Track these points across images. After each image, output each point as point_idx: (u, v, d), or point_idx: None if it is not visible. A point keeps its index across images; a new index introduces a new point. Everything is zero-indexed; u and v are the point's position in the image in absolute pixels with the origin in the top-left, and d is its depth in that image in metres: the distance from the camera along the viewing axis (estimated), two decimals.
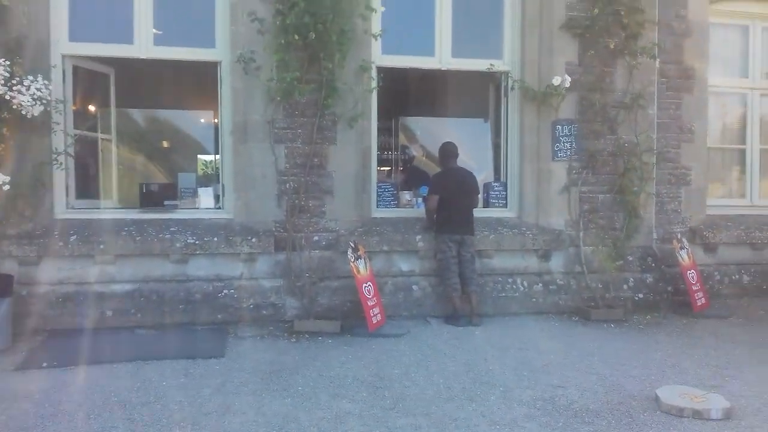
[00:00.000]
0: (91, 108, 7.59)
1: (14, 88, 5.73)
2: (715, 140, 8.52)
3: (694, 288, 7.15)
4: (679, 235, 7.61)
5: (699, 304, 7.13)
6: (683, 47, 7.83)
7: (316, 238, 6.64)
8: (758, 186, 8.57)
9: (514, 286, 7.08)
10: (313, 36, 6.23)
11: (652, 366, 5.30)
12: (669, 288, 7.42)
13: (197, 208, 6.98)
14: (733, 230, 7.98)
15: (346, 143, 6.72)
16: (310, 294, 6.44)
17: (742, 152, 8.61)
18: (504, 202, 7.60)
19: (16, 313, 5.72)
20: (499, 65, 7.45)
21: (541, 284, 7.14)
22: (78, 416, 4.05)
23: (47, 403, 4.26)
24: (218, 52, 6.72)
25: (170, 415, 4.08)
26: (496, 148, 7.97)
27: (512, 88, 7.45)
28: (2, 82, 5.68)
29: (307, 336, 6.03)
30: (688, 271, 7.20)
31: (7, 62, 5.73)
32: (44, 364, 5.05)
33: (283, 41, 6.32)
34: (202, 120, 10.99)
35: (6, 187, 5.75)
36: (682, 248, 7.33)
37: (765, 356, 5.63)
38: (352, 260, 6.21)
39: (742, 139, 8.60)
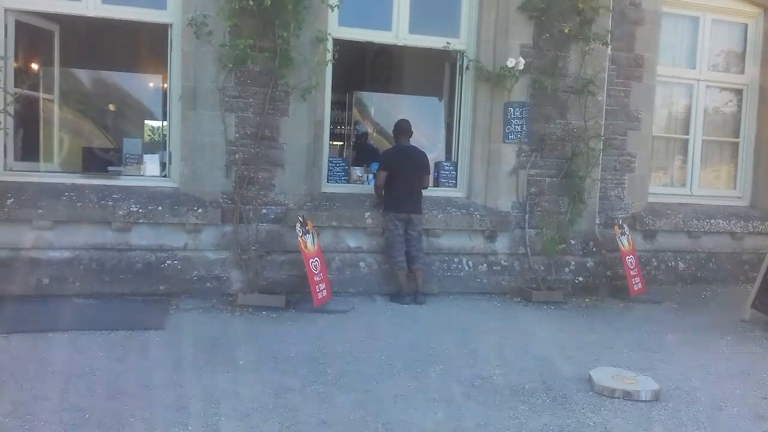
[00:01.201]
0: (34, 66, 7.28)
1: None
2: (660, 129, 8.74)
3: (632, 273, 7.38)
4: (620, 221, 7.82)
5: (636, 288, 7.36)
6: (635, 35, 7.97)
7: (264, 211, 6.57)
8: (698, 176, 8.86)
9: (460, 266, 7.17)
10: (269, 2, 6.08)
11: (587, 348, 5.47)
12: (608, 272, 7.64)
13: (142, 176, 6.81)
14: (672, 218, 8.25)
15: (299, 115, 6.64)
16: (255, 268, 6.39)
17: (685, 142, 8.86)
18: (454, 182, 7.65)
19: None
20: (455, 44, 7.44)
21: (485, 265, 7.25)
22: (9, 386, 3.94)
23: None
24: (169, 14, 6.52)
25: (106, 386, 4.02)
26: (449, 127, 8.01)
27: (467, 68, 7.46)
28: None
29: (251, 310, 5.99)
30: (627, 257, 7.42)
31: None
32: None
33: (237, 6, 6.15)
34: (151, 84, 10.63)
35: None
36: (622, 234, 7.54)
37: (695, 341, 5.87)
38: (300, 235, 6.17)
39: (686, 130, 8.85)
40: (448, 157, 7.88)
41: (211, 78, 6.37)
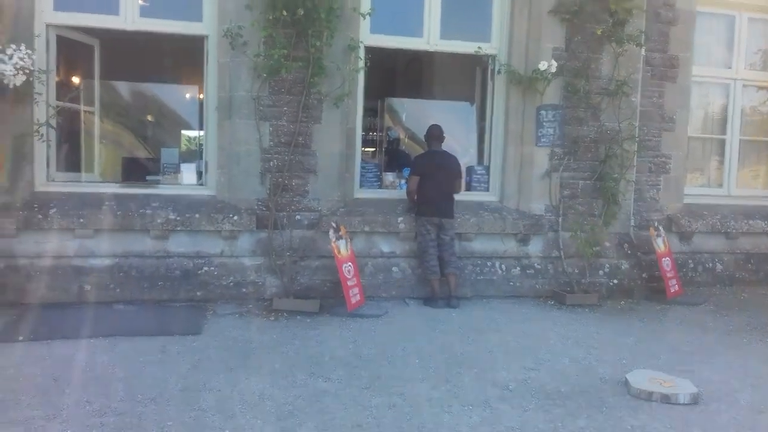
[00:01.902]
0: (75, 79, 7.50)
1: None
2: (696, 130, 8.59)
3: (669, 275, 7.26)
4: (656, 223, 7.71)
5: (672, 291, 7.25)
6: (669, 35, 7.86)
7: (298, 217, 6.66)
8: (736, 176, 8.68)
9: (493, 270, 7.15)
10: (302, 12, 6.19)
11: (623, 351, 5.41)
12: (644, 275, 7.54)
13: (179, 184, 6.95)
14: (708, 219, 8.10)
15: (331, 123, 6.71)
16: (290, 273, 6.47)
17: (722, 142, 8.69)
18: (486, 185, 7.64)
19: None
20: (486, 48, 7.44)
21: (519, 268, 7.22)
22: (53, 391, 4.07)
23: (21, 377, 4.28)
24: (205, 26, 6.66)
25: (145, 391, 4.12)
26: (481, 131, 8.00)
27: (499, 72, 7.46)
28: None
29: (285, 314, 6.07)
30: (663, 259, 7.31)
31: None
32: (20, 338, 5.05)
33: (271, 17, 6.28)
34: (187, 95, 10.89)
35: None
36: (658, 236, 7.43)
37: (733, 343, 5.76)
38: (333, 240, 6.24)
39: (723, 130, 8.68)
40: (480, 161, 7.87)
41: (246, 88, 6.49)
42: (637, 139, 7.52)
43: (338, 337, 5.51)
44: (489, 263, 7.17)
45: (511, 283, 7.15)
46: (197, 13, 6.66)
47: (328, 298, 6.44)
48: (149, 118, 11.20)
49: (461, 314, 6.41)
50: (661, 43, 7.84)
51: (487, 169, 7.67)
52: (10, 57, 5.69)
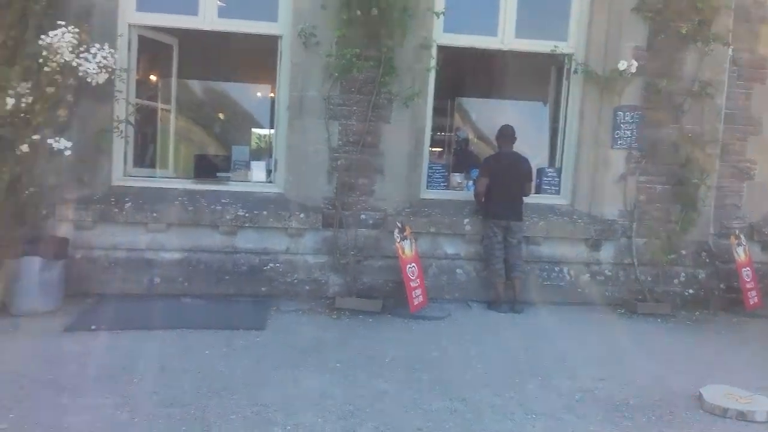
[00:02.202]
0: (153, 78, 7.75)
1: (81, 55, 5.82)
2: None
3: (748, 286, 6.87)
4: (737, 231, 7.29)
5: (752, 302, 6.85)
6: (759, 34, 7.42)
7: (363, 216, 6.65)
8: None
9: (561, 275, 6.94)
10: (376, 12, 6.19)
11: (697, 363, 5.14)
12: (721, 285, 7.14)
13: (249, 181, 7.06)
14: None
15: (400, 122, 6.68)
16: (353, 272, 6.47)
17: None
18: (557, 188, 7.43)
19: (70, 275, 5.91)
20: (563, 47, 7.22)
21: (588, 274, 6.98)
22: (121, 379, 4.19)
23: (93, 365, 4.42)
24: (280, 26, 6.73)
25: (210, 383, 4.18)
26: (553, 132, 7.78)
27: (575, 72, 7.22)
28: (70, 49, 5.79)
29: (348, 313, 6.06)
30: (744, 269, 6.91)
31: (76, 30, 5.83)
32: (93, 327, 5.23)
33: (345, 17, 6.30)
34: (259, 94, 11.09)
35: (68, 153, 5.90)
36: (739, 245, 7.03)
37: None
38: (398, 240, 6.20)
39: None
40: (551, 163, 7.66)
41: (317, 87, 6.53)
42: (720, 142, 7.14)
43: (400, 338, 5.46)
44: (557, 268, 6.97)
45: (580, 290, 6.92)
46: (273, 14, 6.74)
47: (391, 299, 6.40)
48: (221, 116, 11.47)
49: (526, 319, 6.24)
50: (749, 42, 7.40)
51: (559, 171, 7.45)
52: (94, 56, 5.89)
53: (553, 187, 7.44)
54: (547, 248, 6.98)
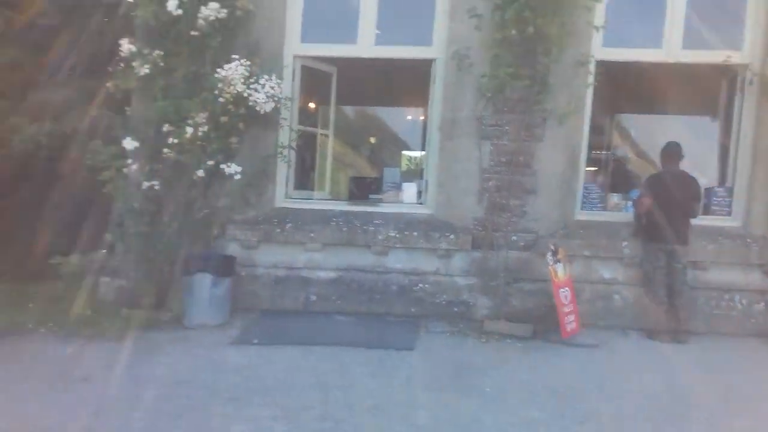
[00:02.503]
0: (314, 105, 8.17)
1: (251, 86, 6.33)
2: None
3: None
4: None
5: None
6: None
7: (514, 237, 6.52)
8: None
9: (731, 304, 6.34)
10: (532, 30, 6.13)
11: None
12: None
13: (400, 203, 7.19)
14: None
15: (554, 141, 6.49)
16: (503, 294, 6.35)
17: None
18: (728, 209, 6.80)
19: (236, 292, 6.37)
20: (736, 57, 6.66)
21: (763, 303, 6.31)
22: (280, 392, 4.40)
23: (254, 377, 4.70)
24: (434, 50, 6.84)
25: (362, 401, 4.28)
26: (723, 149, 7.16)
27: (750, 83, 6.63)
28: (242, 81, 6.29)
29: (496, 337, 5.95)
30: None
31: (248, 63, 6.34)
32: (255, 341, 5.56)
33: (499, 36, 6.30)
34: (409, 117, 11.32)
35: (237, 177, 6.40)
36: None
37: None
38: (551, 263, 5.99)
39: None
40: (721, 182, 7.04)
41: (470, 108, 6.55)
42: None
43: (551, 365, 5.26)
44: (727, 296, 6.37)
45: (753, 320, 6.27)
46: (427, 38, 6.87)
47: (542, 324, 6.18)
48: (373, 139, 11.83)
49: (691, 351, 5.76)
50: None
51: (730, 190, 6.83)
52: (263, 86, 6.35)
53: (723, 208, 6.82)
54: (715, 274, 6.40)
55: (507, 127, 6.51)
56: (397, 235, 6.56)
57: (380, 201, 7.32)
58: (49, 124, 7.21)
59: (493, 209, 6.50)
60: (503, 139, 6.53)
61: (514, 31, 6.19)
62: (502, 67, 6.26)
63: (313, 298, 6.58)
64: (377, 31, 6.94)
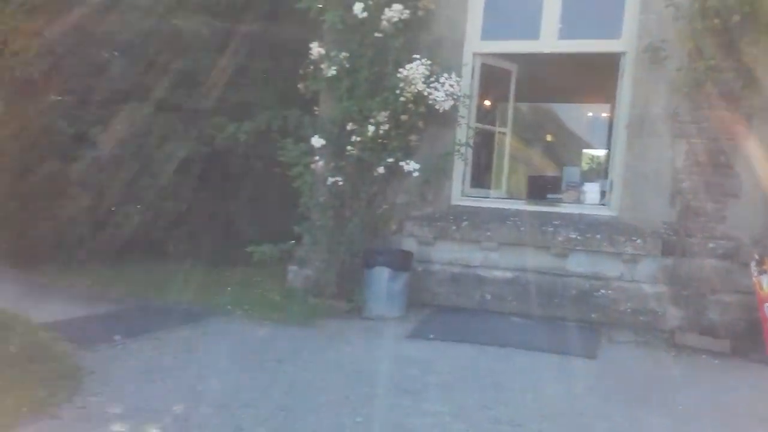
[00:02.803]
0: (492, 103, 8.10)
1: (431, 85, 6.40)
2: None
3: None
4: None
5: None
6: None
7: (711, 245, 5.98)
8: None
9: None
10: (737, 19, 5.61)
11: None
12: None
13: (581, 203, 6.91)
14: None
15: (762, 140, 5.87)
16: (696, 306, 5.85)
17: None
18: None
19: (412, 287, 6.48)
20: None
21: None
22: (457, 390, 4.40)
23: (431, 371, 4.73)
24: (623, 43, 6.46)
25: (542, 407, 4.15)
26: None
27: None
28: (422, 80, 6.39)
29: (688, 351, 5.50)
30: None
31: (428, 62, 6.42)
32: (431, 336, 5.62)
33: (699, 26, 5.82)
34: (590, 113, 10.83)
35: (416, 174, 6.52)
36: None
37: None
38: (755, 274, 5.44)
39: None
40: None
41: (662, 104, 6.12)
42: None
43: (754, 386, 4.78)
44: None
45: None
46: (615, 31, 6.50)
47: (742, 340, 5.62)
48: (549, 137, 11.47)
49: None
50: None
51: None
52: (443, 85, 6.41)
53: None
54: None
55: (705, 125, 5.99)
56: (578, 237, 6.29)
57: (560, 201, 7.10)
58: (247, 122, 7.80)
59: (687, 213, 6.01)
60: (701, 138, 6.02)
61: (716, 21, 5.68)
62: (702, 59, 5.77)
63: (488, 297, 6.52)
64: (560, 25, 6.70)
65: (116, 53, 8.39)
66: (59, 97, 8.28)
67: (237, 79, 8.38)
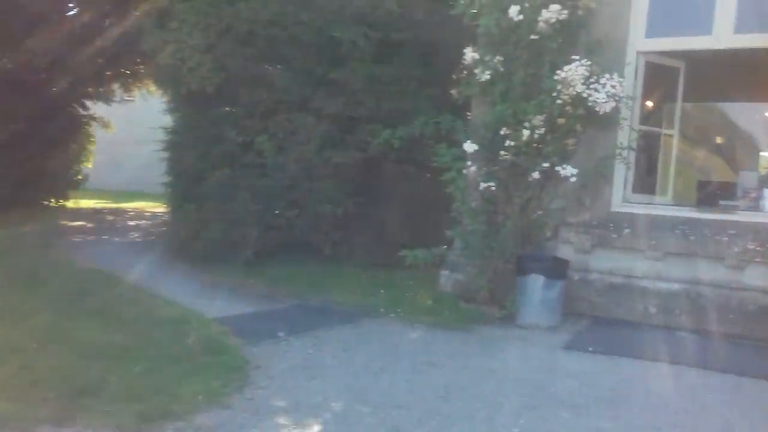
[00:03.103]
0: (656, 103, 7.62)
1: (591, 86, 6.13)
2: None
3: None
4: None
5: None
6: None
7: None
8: None
9: None
10: None
11: None
12: None
13: (760, 211, 6.30)
14: None
15: None
16: None
17: None
18: None
19: (567, 296, 6.24)
20: None
21: None
22: (621, 406, 4.16)
23: (591, 385, 4.52)
24: None
25: (714, 430, 3.82)
26: None
27: None
28: (582, 81, 6.14)
29: None
30: None
31: (588, 63, 6.16)
32: (590, 348, 5.36)
33: None
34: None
35: (573, 179, 6.28)
36: None
37: None
38: None
39: None
40: None
41: None
42: None
43: None
44: None
45: None
46: None
47: None
48: (724, 139, 10.58)
49: None
50: None
51: None
52: (603, 86, 6.13)
53: None
54: None
55: None
56: (757, 248, 5.75)
57: (735, 208, 6.51)
58: (401, 128, 7.94)
59: None
60: None
61: None
62: None
63: (653, 310, 6.12)
64: (736, 19, 6.16)
65: (279, 66, 8.87)
66: (228, 109, 8.89)
67: (391, 87, 8.56)
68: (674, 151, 7.43)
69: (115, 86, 14.81)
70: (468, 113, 7.32)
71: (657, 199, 7.16)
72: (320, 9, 8.24)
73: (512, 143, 6.41)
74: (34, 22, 11.91)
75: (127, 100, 15.20)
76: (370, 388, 4.35)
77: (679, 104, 7.37)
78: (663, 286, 6.14)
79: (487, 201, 6.69)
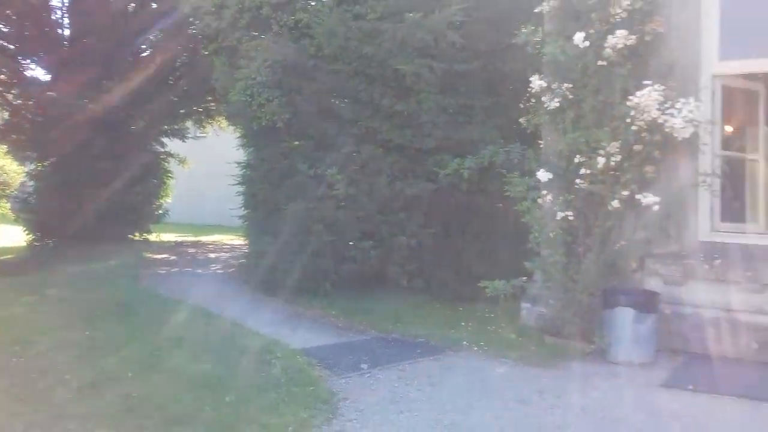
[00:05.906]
0: (738, 127, 7.35)
1: (666, 111, 5.96)
2: None
3: None
4: None
5: None
6: None
7: None
8: None
9: None
10: None
11: None
12: None
13: None
14: None
15: None
16: None
17: None
18: None
19: (659, 330, 5.96)
20: None
21: None
22: None
23: (696, 427, 4.31)
24: None
25: None
26: None
27: None
28: (656, 106, 5.99)
29: None
30: None
31: (661, 87, 6.00)
32: (689, 387, 5.10)
33: None
34: None
35: (655, 207, 6.07)
36: None
37: None
38: None
39: None
40: None
41: None
42: None
43: None
44: None
45: None
46: None
47: None
48: None
49: None
50: None
51: None
52: (679, 111, 5.94)
53: None
54: None
55: None
56: None
57: None
58: (469, 158, 7.89)
59: None
60: None
61: None
62: None
63: (755, 345, 5.78)
64: None
65: (346, 99, 8.99)
66: (298, 142, 9.05)
67: (458, 117, 8.54)
68: (762, 177, 7.12)
69: (189, 123, 15.35)
70: (537, 141, 7.22)
71: (748, 227, 6.84)
72: (383, 43, 8.34)
73: (587, 171, 6.26)
74: (110, 64, 12.59)
75: (200, 137, 15.65)
76: (460, 424, 4.26)
77: (761, 127, 7.09)
78: (763, 320, 5.81)
79: (565, 231, 6.52)
